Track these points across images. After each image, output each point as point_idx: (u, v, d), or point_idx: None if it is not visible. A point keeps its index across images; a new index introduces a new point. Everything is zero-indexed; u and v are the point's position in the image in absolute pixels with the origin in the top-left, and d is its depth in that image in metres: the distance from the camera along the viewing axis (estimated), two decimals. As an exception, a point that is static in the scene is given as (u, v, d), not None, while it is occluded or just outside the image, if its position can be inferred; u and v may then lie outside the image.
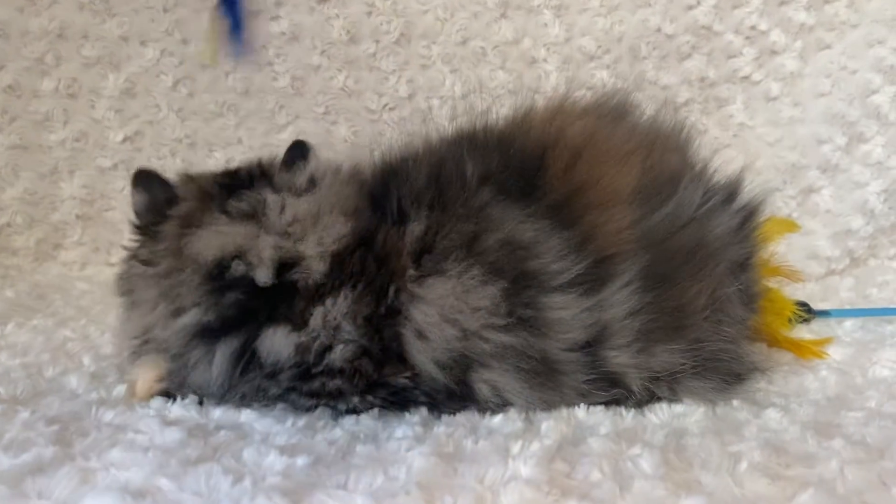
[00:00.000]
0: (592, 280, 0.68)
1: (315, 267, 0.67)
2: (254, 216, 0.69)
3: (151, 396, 0.70)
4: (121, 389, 0.73)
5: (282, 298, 0.67)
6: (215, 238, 0.68)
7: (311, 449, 0.60)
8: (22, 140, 1.23)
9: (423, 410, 0.70)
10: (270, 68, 1.25)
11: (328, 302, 0.66)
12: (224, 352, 0.67)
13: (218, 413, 0.68)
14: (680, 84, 1.29)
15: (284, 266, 0.67)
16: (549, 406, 0.70)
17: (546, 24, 1.25)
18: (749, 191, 0.83)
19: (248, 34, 1.09)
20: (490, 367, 0.67)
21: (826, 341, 0.98)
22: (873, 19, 1.30)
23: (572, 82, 1.26)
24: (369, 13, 1.24)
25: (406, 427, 0.65)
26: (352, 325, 0.66)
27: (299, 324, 0.66)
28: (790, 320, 1.04)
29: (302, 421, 0.66)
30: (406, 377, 0.68)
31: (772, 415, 0.71)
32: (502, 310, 0.66)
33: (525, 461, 0.58)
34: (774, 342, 0.97)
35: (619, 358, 0.70)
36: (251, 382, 0.68)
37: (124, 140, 1.25)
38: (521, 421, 0.67)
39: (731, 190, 0.81)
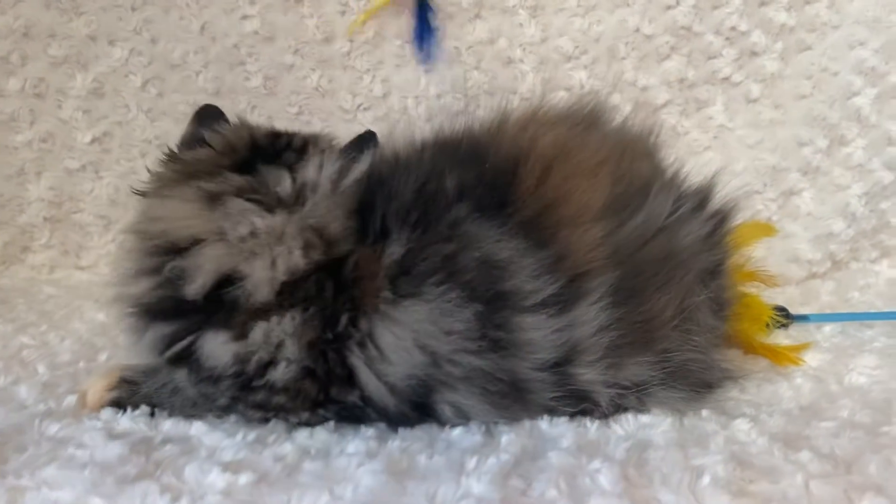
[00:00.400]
0: (564, 299, 0.66)
1: (259, 291, 0.64)
2: (215, 201, 0.66)
3: (102, 407, 0.68)
4: (72, 400, 0.71)
5: (219, 308, 0.64)
6: (172, 212, 0.67)
7: (256, 465, 0.58)
8: (-11, 141, 1.21)
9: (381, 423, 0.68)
10: (242, 68, 1.23)
11: (273, 319, 0.64)
12: (152, 336, 0.66)
13: (168, 425, 0.65)
14: (659, 85, 1.27)
15: (225, 280, 0.64)
16: (512, 420, 0.68)
17: (522, 24, 1.23)
18: (721, 196, 0.81)
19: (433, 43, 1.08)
20: (456, 389, 0.65)
21: (803, 347, 0.97)
22: (854, 20, 1.28)
23: (549, 83, 1.24)
24: (343, 12, 1.22)
25: (360, 441, 0.63)
26: (296, 346, 0.64)
27: (238, 335, 0.64)
28: (768, 326, 1.03)
29: (253, 434, 0.64)
30: (356, 397, 0.66)
31: (740, 426, 0.69)
32: (475, 333, 0.64)
33: (479, 478, 0.56)
34: (750, 349, 0.96)
35: (588, 375, 0.68)
36: (195, 385, 0.66)
37: (92, 141, 1.23)
38: (481, 434, 0.65)
39: (702, 196, 0.79)
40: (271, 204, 0.66)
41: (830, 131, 1.30)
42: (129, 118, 1.23)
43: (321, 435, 0.65)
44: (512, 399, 0.66)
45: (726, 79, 1.29)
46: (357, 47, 1.22)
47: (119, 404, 0.69)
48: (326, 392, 0.65)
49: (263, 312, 0.64)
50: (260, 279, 0.64)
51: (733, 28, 1.27)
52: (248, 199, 0.66)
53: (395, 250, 0.65)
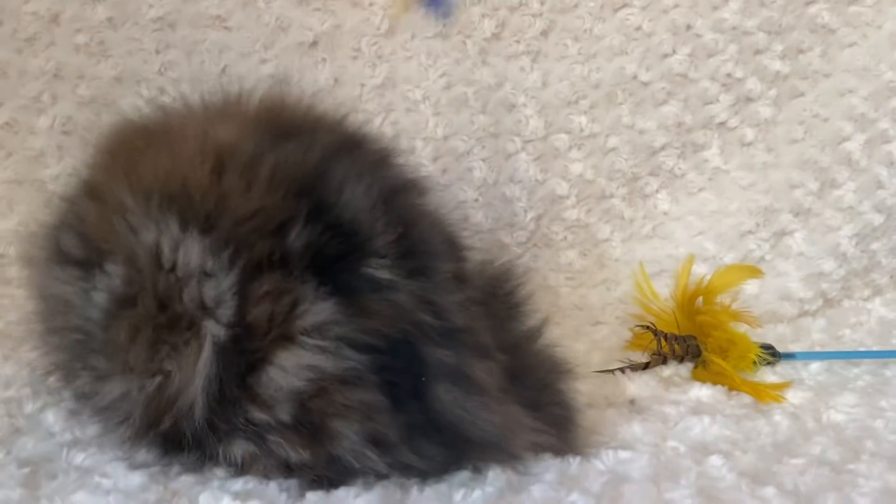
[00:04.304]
0: None
1: None
2: None
3: None
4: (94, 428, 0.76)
5: None
6: None
7: (263, 494, 0.63)
8: (17, 175, 1.26)
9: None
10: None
11: None
12: None
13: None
14: (657, 129, 1.33)
15: None
16: None
17: (524, 69, 1.29)
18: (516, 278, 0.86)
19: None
20: None
21: (785, 385, 1.02)
22: (845, 69, 1.34)
23: (550, 126, 1.30)
24: (355, 58, 1.28)
25: (359, 474, 0.69)
26: None
27: None
28: (755, 363, 1.08)
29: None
30: None
31: (714, 461, 0.74)
32: None
33: (466, 509, 0.62)
34: (734, 386, 1.01)
35: None
36: None
37: (116, 176, 1.29)
38: (469, 469, 0.70)
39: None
40: None
41: (822, 174, 1.35)
42: (151, 155, 1.29)
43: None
44: None
45: (722, 123, 1.34)
46: (368, 91, 1.28)
47: None
48: None
49: None
50: None
51: (729, 75, 1.33)
52: None
53: None
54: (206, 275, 0.64)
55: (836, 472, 0.73)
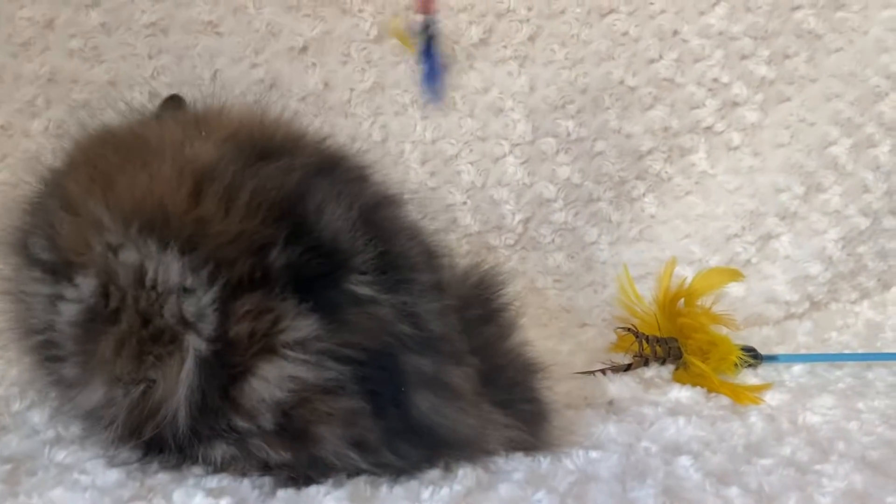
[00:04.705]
0: None
1: None
2: None
3: None
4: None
5: None
6: None
7: (236, 491, 0.65)
8: (12, 177, 1.28)
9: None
10: (250, 113, 1.30)
11: None
12: None
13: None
14: (643, 133, 1.34)
15: None
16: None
17: (511, 74, 1.31)
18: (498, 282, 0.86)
19: (441, 83, 1.12)
20: None
21: (765, 387, 1.03)
22: (831, 74, 1.35)
23: (538, 130, 1.31)
24: (344, 63, 1.29)
25: (333, 471, 0.70)
26: None
27: None
28: (735, 365, 1.09)
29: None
30: None
31: (683, 462, 0.75)
32: None
33: (432, 506, 0.63)
34: (713, 387, 1.02)
35: None
36: None
37: (109, 179, 1.31)
38: (441, 467, 0.72)
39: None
40: None
41: (808, 178, 1.37)
42: (144, 159, 1.31)
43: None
44: None
45: (709, 128, 1.36)
46: (357, 95, 1.30)
47: None
48: None
49: None
50: None
51: (715, 80, 1.34)
52: None
53: None
54: (185, 290, 0.65)
55: (802, 472, 0.74)
